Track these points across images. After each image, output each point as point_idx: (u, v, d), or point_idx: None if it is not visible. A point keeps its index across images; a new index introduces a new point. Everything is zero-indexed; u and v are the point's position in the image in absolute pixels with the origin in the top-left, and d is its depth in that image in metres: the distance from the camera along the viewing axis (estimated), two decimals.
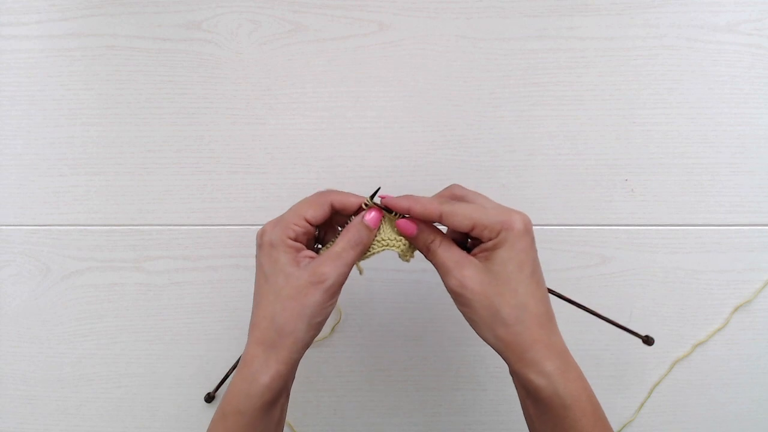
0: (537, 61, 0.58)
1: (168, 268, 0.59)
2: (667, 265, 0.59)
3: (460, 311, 0.44)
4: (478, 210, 0.42)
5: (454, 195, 0.45)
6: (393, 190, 0.49)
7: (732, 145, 0.58)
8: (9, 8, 0.58)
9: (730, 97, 0.58)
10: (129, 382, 0.60)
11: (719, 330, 0.59)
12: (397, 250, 0.46)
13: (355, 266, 0.46)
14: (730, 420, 0.59)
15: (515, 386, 0.46)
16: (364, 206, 0.45)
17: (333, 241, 0.46)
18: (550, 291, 0.47)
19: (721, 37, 0.57)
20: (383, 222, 0.46)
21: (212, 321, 0.60)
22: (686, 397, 0.59)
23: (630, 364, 0.59)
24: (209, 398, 0.59)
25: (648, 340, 0.55)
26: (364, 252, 0.45)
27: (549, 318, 0.42)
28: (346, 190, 0.46)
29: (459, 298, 0.43)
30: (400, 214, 0.45)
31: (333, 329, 0.60)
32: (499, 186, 0.58)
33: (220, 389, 0.59)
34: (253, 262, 0.46)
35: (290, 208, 0.45)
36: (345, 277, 0.43)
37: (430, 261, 0.45)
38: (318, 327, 0.43)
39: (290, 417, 0.60)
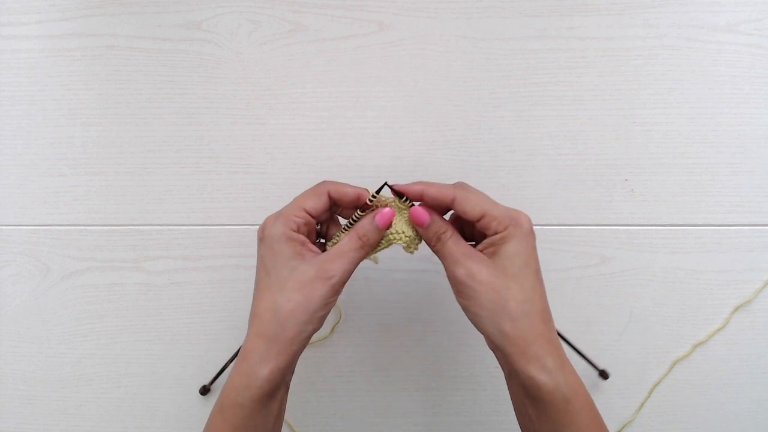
0: (537, 61, 0.58)
1: (168, 268, 0.59)
2: (667, 265, 0.59)
3: (462, 305, 0.44)
4: (489, 201, 0.44)
5: (465, 188, 0.46)
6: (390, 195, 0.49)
7: (732, 145, 0.58)
8: (9, 8, 0.58)
9: (730, 97, 0.58)
10: (129, 382, 0.60)
11: (719, 330, 0.59)
12: (402, 243, 0.46)
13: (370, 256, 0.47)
14: (730, 420, 0.59)
15: (510, 390, 0.45)
16: (369, 201, 0.45)
17: (338, 235, 0.46)
18: None
19: (721, 37, 0.57)
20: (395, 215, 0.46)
21: (212, 321, 0.60)
22: (686, 397, 0.59)
23: (630, 364, 0.59)
24: (204, 390, 0.59)
25: (604, 374, 0.57)
26: (372, 250, 0.46)
27: (549, 315, 0.43)
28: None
29: (465, 290, 0.42)
30: (409, 204, 0.45)
31: (333, 329, 0.60)
32: (499, 186, 0.58)
33: (215, 382, 0.59)
34: (253, 262, 0.46)
35: (290, 202, 0.45)
36: (350, 274, 0.44)
37: (437, 252, 0.45)
38: (320, 321, 0.43)
39: (290, 417, 0.60)
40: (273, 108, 0.58)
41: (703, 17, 0.57)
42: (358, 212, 0.46)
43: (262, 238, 0.44)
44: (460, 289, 0.43)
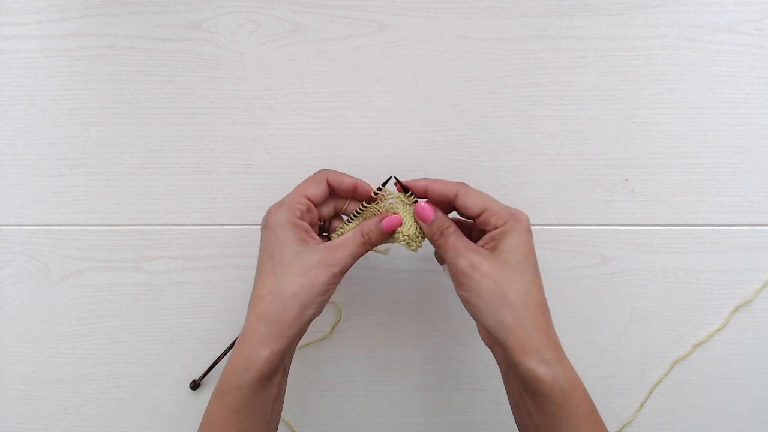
0: (537, 61, 0.58)
1: (168, 268, 0.59)
2: (667, 265, 0.59)
3: (463, 297, 0.44)
4: (489, 197, 0.46)
5: (467, 185, 0.47)
6: (393, 189, 0.49)
7: (732, 145, 0.58)
8: (9, 8, 0.58)
9: (730, 97, 0.58)
10: (129, 382, 0.60)
11: (719, 330, 0.59)
12: (403, 241, 0.47)
13: (379, 247, 0.49)
14: (730, 420, 0.59)
15: (507, 386, 0.46)
16: (374, 194, 0.47)
17: (342, 227, 0.48)
18: None
19: (721, 37, 0.57)
20: (397, 211, 0.48)
21: (212, 321, 0.60)
22: (686, 397, 0.59)
23: (630, 364, 0.59)
24: (195, 385, 0.59)
25: None
26: (372, 248, 0.47)
27: (547, 308, 0.44)
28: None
29: (466, 281, 0.43)
30: (413, 200, 0.47)
31: (333, 329, 0.60)
32: (499, 186, 0.58)
33: (206, 377, 0.59)
34: (253, 262, 0.46)
35: (291, 191, 0.47)
36: (350, 265, 0.45)
37: (440, 246, 0.46)
38: (320, 306, 0.45)
39: (290, 417, 0.60)
40: (273, 108, 0.58)
41: (703, 17, 0.57)
42: (364, 204, 0.47)
43: (266, 225, 0.45)
44: (461, 280, 0.44)
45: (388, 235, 0.47)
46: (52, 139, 0.59)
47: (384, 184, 0.48)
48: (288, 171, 0.59)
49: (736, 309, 0.59)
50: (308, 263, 0.43)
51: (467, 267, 0.43)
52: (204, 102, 0.58)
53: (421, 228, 0.47)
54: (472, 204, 0.45)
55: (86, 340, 0.60)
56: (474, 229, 0.49)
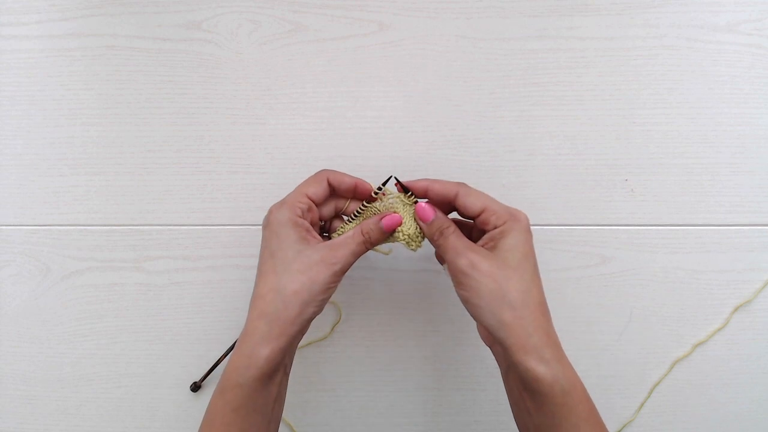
0: (537, 61, 0.58)
1: (168, 268, 0.59)
2: (667, 265, 0.59)
3: (463, 297, 0.44)
4: (489, 197, 0.46)
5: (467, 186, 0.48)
6: (393, 189, 0.49)
7: (732, 145, 0.58)
8: (9, 8, 0.58)
9: (730, 97, 0.58)
10: (129, 382, 0.60)
11: (719, 330, 0.59)
12: (403, 240, 0.48)
13: (383, 246, 0.50)
14: (730, 420, 0.59)
15: (507, 385, 0.46)
16: (374, 193, 0.48)
17: (343, 226, 0.49)
18: None
19: (721, 37, 0.57)
20: (397, 211, 0.48)
21: (212, 321, 0.60)
22: (686, 397, 0.59)
23: (630, 364, 0.59)
24: (195, 387, 0.59)
25: None
26: (372, 247, 0.47)
27: (547, 308, 0.44)
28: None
29: (466, 280, 0.43)
30: (413, 201, 0.47)
31: (333, 329, 0.60)
32: (499, 186, 0.58)
33: (206, 379, 0.59)
34: (253, 262, 0.47)
35: (292, 190, 0.47)
36: (351, 264, 0.46)
37: (440, 246, 0.46)
38: (321, 305, 0.45)
39: (290, 417, 0.60)
40: (273, 108, 0.58)
41: (703, 17, 0.57)
42: (364, 204, 0.48)
43: (267, 224, 0.46)
44: (461, 279, 0.44)
45: (388, 234, 0.47)
46: (52, 139, 0.59)
47: (384, 184, 0.48)
48: (288, 171, 0.59)
49: (736, 309, 0.59)
50: (309, 261, 0.44)
51: (466, 266, 0.43)
52: (204, 102, 0.58)
53: (421, 228, 0.47)
54: (472, 204, 0.45)
55: (86, 340, 0.60)
56: (474, 229, 0.49)
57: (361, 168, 0.58)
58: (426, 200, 0.48)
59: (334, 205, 0.50)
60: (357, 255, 0.46)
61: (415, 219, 0.47)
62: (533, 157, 0.58)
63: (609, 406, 0.59)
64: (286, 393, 0.48)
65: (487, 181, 0.58)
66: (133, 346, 0.60)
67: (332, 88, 0.58)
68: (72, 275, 0.60)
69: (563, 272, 0.59)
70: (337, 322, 0.60)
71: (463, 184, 0.47)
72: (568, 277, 0.59)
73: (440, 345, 0.60)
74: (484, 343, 0.49)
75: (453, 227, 0.46)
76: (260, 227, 0.47)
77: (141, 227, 0.59)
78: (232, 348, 0.58)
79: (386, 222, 0.46)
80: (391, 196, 0.48)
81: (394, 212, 0.47)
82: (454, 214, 0.49)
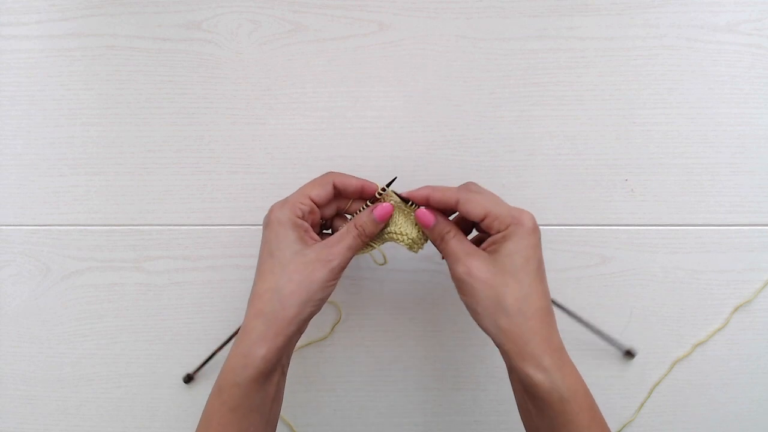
0: (537, 61, 0.58)
1: (168, 268, 0.59)
2: (667, 265, 0.59)
3: (464, 301, 0.44)
4: (492, 201, 0.45)
5: (469, 190, 0.47)
6: (394, 189, 0.49)
7: (732, 145, 0.58)
8: (9, 8, 0.58)
9: (730, 97, 0.58)
10: (129, 382, 0.60)
11: (719, 330, 0.59)
12: (406, 245, 0.48)
13: (378, 253, 0.49)
14: (730, 420, 0.59)
15: (512, 385, 0.46)
16: (378, 194, 0.47)
17: (343, 227, 0.48)
18: None
19: (721, 37, 0.57)
20: (398, 214, 0.48)
21: (212, 321, 0.60)
22: (686, 397, 0.59)
23: (630, 364, 0.59)
24: (188, 378, 0.59)
25: (630, 353, 0.56)
26: (368, 240, 0.47)
27: (549, 314, 0.43)
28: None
29: (464, 287, 0.43)
30: (414, 207, 0.47)
31: (333, 329, 0.60)
32: (499, 186, 0.58)
33: (200, 371, 0.59)
34: (252, 262, 0.46)
35: (296, 190, 0.47)
36: (348, 260, 0.46)
37: (441, 251, 0.46)
38: (319, 304, 0.45)
39: (290, 417, 0.60)
40: (273, 108, 0.58)
41: (703, 17, 0.57)
42: (367, 203, 0.48)
43: (268, 223, 0.46)
44: (460, 285, 0.44)
45: (382, 224, 0.47)
46: (52, 139, 0.59)
47: (388, 185, 0.48)
48: (288, 171, 0.59)
49: (736, 309, 0.59)
50: (306, 260, 0.44)
51: (464, 273, 0.43)
52: (204, 102, 0.58)
53: (424, 233, 0.47)
54: (472, 210, 0.44)
55: (86, 340, 0.60)
56: (481, 228, 0.49)
57: (361, 168, 0.58)
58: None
59: (335, 204, 0.49)
60: (353, 250, 0.46)
61: (416, 224, 0.47)
62: (533, 157, 0.58)
63: (609, 406, 0.59)
64: (283, 393, 0.47)
65: (487, 181, 0.58)
66: (133, 346, 0.60)
67: (332, 88, 0.58)
68: (72, 275, 0.60)
69: (563, 272, 0.59)
70: (337, 322, 0.60)
71: (466, 188, 0.46)
72: (568, 277, 0.59)
73: (440, 345, 0.60)
74: (485, 343, 0.49)
75: (453, 231, 0.46)
76: (260, 227, 0.47)
77: (141, 227, 0.59)
78: (228, 341, 0.58)
79: (378, 212, 0.46)
80: (394, 198, 0.48)
81: (383, 198, 0.47)
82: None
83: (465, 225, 0.49)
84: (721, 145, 0.58)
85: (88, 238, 0.59)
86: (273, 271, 0.44)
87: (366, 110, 0.58)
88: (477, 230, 0.50)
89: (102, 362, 0.60)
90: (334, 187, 0.47)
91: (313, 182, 0.47)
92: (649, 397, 0.59)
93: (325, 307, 0.59)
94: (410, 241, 0.48)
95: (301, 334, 0.45)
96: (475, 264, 0.43)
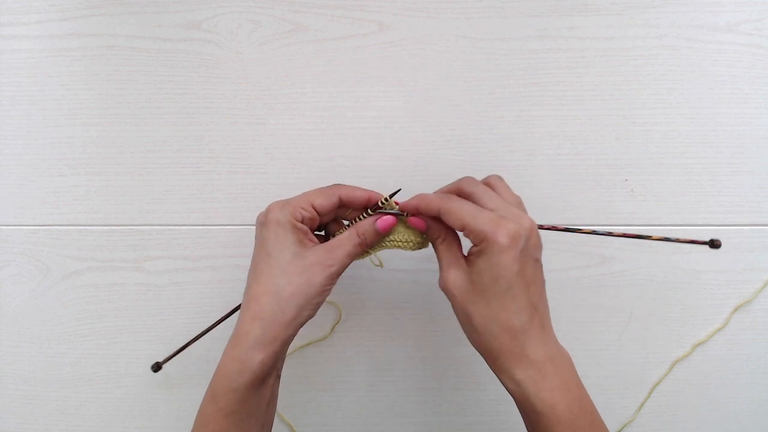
0: (537, 61, 0.58)
1: (168, 268, 0.59)
2: (667, 265, 0.59)
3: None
4: (472, 213, 0.42)
5: (461, 190, 0.46)
6: (394, 190, 0.49)
7: (732, 145, 0.58)
8: (9, 8, 0.58)
9: (730, 97, 0.58)
10: (129, 382, 0.60)
11: (719, 330, 0.59)
12: (409, 250, 0.49)
13: (375, 257, 0.49)
14: (730, 420, 0.59)
15: None
16: (381, 203, 0.47)
17: (341, 232, 0.48)
18: (543, 227, 0.47)
19: (721, 37, 0.57)
20: (398, 223, 0.48)
21: (212, 321, 0.60)
22: (686, 397, 0.59)
23: (630, 364, 0.59)
24: (157, 367, 0.56)
25: (714, 244, 0.48)
26: (367, 248, 0.47)
27: (523, 330, 0.41)
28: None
29: (446, 294, 0.44)
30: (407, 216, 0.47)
31: (333, 329, 0.60)
32: None
33: (170, 361, 0.57)
34: None
35: (300, 194, 0.46)
36: (346, 266, 0.45)
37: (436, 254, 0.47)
38: (315, 308, 0.44)
39: (290, 417, 0.60)
40: (273, 108, 0.58)
41: (703, 17, 0.57)
42: (369, 212, 0.47)
43: (266, 222, 0.45)
44: (443, 292, 0.45)
45: (383, 235, 0.47)
46: (52, 139, 0.59)
47: (391, 196, 0.47)
48: (288, 171, 0.59)
49: (736, 309, 0.59)
50: (305, 263, 0.43)
51: (441, 286, 0.44)
52: (204, 102, 0.58)
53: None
54: (452, 223, 0.43)
55: (86, 340, 0.60)
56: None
57: (361, 168, 0.58)
58: None
59: (335, 212, 0.49)
60: (352, 256, 0.45)
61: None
62: (533, 157, 0.58)
63: (609, 406, 0.59)
64: (278, 395, 0.47)
65: None
66: (133, 346, 0.60)
67: (332, 88, 0.58)
68: (72, 275, 0.60)
69: (563, 272, 0.59)
70: (337, 322, 0.60)
71: (449, 197, 0.44)
72: (568, 277, 0.59)
73: (440, 345, 0.60)
74: None
75: (442, 237, 0.45)
76: (256, 222, 0.47)
77: (141, 227, 0.59)
78: (202, 334, 0.55)
79: (380, 224, 0.46)
80: (394, 208, 0.48)
81: (386, 211, 0.47)
82: None
83: None
84: (721, 145, 0.58)
85: (88, 238, 0.59)
86: (271, 273, 0.43)
87: (366, 110, 0.58)
88: None
89: (102, 362, 0.60)
90: (340, 200, 0.46)
91: (319, 191, 0.46)
92: (649, 397, 0.59)
93: (325, 307, 0.59)
94: (412, 244, 0.48)
95: (294, 337, 0.45)
96: (450, 277, 0.43)
